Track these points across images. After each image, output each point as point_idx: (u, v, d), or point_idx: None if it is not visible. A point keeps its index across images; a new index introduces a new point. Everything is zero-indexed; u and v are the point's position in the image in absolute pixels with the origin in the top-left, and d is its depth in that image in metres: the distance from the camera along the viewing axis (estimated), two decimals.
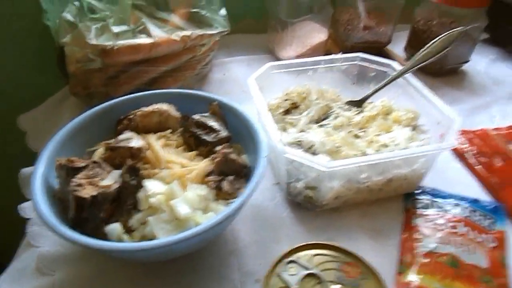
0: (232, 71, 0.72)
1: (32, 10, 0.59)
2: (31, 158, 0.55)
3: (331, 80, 0.57)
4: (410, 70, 0.51)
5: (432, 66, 0.72)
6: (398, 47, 0.79)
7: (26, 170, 0.49)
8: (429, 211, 0.44)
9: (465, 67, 0.77)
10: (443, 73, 0.74)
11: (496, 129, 0.58)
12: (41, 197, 0.34)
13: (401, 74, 0.51)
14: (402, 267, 0.39)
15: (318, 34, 0.73)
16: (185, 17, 0.64)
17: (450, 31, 0.51)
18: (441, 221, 0.43)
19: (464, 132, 0.58)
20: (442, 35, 0.52)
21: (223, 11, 0.64)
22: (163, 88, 0.59)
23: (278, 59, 0.75)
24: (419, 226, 0.43)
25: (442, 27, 0.70)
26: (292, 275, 0.32)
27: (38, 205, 0.33)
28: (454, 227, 0.42)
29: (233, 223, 0.44)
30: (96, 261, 0.39)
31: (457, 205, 0.45)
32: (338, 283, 0.32)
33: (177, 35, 0.57)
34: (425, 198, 0.46)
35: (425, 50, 0.52)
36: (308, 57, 0.71)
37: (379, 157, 0.39)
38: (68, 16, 0.56)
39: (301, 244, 0.34)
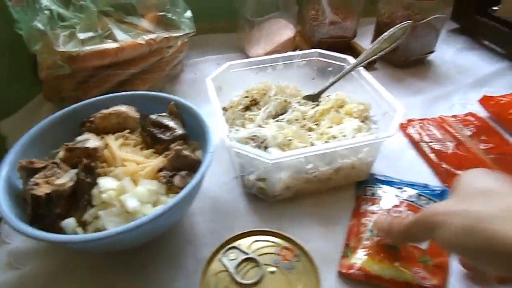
0: (203, 71, 0.75)
1: (3, 21, 0.61)
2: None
3: (292, 76, 0.60)
4: (361, 64, 0.54)
5: (397, 58, 0.75)
6: (366, 40, 0.81)
7: None
8: (378, 197, 0.47)
9: (433, 57, 0.79)
10: (410, 64, 0.76)
11: (454, 116, 0.61)
12: (4, 197, 0.37)
13: (353, 68, 0.54)
14: (347, 251, 0.41)
15: (285, 31, 0.76)
16: (154, 21, 0.67)
17: (399, 24, 0.54)
18: (387, 206, 0.45)
19: (421, 120, 0.60)
20: (391, 29, 0.54)
21: (188, 13, 0.66)
22: (132, 89, 0.62)
23: (248, 57, 0.77)
24: (367, 212, 0.45)
25: (406, 20, 0.72)
26: (232, 260, 0.35)
27: (0, 205, 0.36)
28: (398, 211, 0.44)
29: (192, 215, 0.47)
30: (61, 255, 0.42)
31: (405, 191, 0.47)
32: (274, 266, 0.35)
33: (142, 39, 0.60)
34: (375, 185, 0.49)
35: (375, 44, 0.54)
36: (277, 53, 0.74)
37: (320, 147, 0.42)
38: (39, 24, 0.59)
39: (243, 232, 0.37)
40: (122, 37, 0.60)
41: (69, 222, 0.36)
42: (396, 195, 0.47)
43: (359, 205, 0.47)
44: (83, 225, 0.37)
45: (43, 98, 0.66)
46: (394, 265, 0.39)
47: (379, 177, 0.50)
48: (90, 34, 0.59)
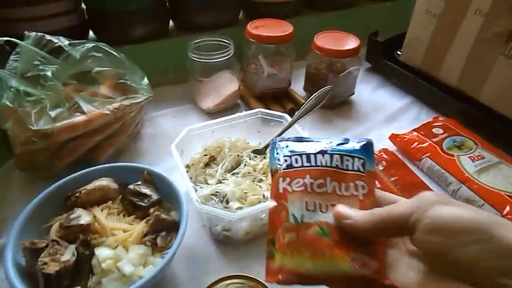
0: (161, 125, 0.84)
1: None
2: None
3: (241, 131, 0.72)
4: (296, 122, 0.67)
5: (324, 103, 0.91)
6: (299, 85, 0.95)
7: None
8: (295, 164, 0.35)
9: (354, 97, 0.95)
10: (336, 105, 0.92)
11: None
12: (15, 278, 0.44)
13: (289, 126, 0.67)
14: (271, 249, 0.32)
15: (231, 85, 0.87)
16: (113, 88, 0.75)
17: (320, 90, 0.68)
18: (307, 179, 0.34)
19: None
20: (316, 93, 0.68)
21: (145, 80, 0.76)
22: (101, 153, 0.70)
23: (199, 108, 0.88)
24: (287, 192, 0.34)
25: (329, 69, 0.87)
26: None
27: (14, 285, 0.43)
28: (321, 185, 0.34)
29: (172, 264, 0.56)
30: None
31: (324, 152, 0.36)
32: None
33: (107, 109, 0.68)
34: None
35: (304, 106, 0.68)
36: (225, 105, 0.86)
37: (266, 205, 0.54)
38: (7, 102, 0.65)
39: (217, 278, 0.48)
40: (89, 108, 0.67)
41: None
42: (314, 162, 0.35)
43: (276, 183, 0.35)
44: None
45: (12, 166, 0.71)
46: (334, 254, 0.31)
47: (292, 139, 0.39)
48: (60, 110, 0.65)
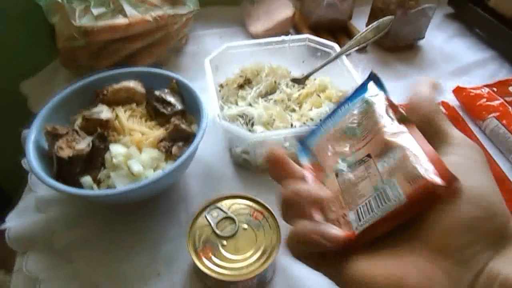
0: (205, 44, 0.81)
1: None
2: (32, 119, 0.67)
3: (284, 57, 0.66)
4: (345, 53, 0.60)
5: (388, 42, 0.80)
6: (361, 21, 0.85)
7: (26, 131, 0.61)
8: None
9: (422, 42, 0.84)
10: (399, 49, 0.81)
11: None
12: (34, 157, 0.45)
13: (337, 56, 0.60)
14: None
15: (284, 10, 0.80)
16: None
17: (382, 19, 0.59)
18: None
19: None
20: (374, 23, 0.59)
21: None
22: (140, 61, 0.69)
23: (248, 33, 0.83)
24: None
25: (400, 3, 0.76)
26: (214, 217, 0.44)
27: (31, 163, 0.45)
28: None
29: (187, 177, 0.56)
30: (79, 203, 0.52)
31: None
32: (247, 224, 0.44)
33: (150, 15, 0.66)
34: None
35: (359, 35, 0.59)
36: (275, 31, 0.80)
37: (296, 130, 0.50)
38: None
39: (225, 195, 0.46)
40: (131, 13, 0.65)
41: (87, 180, 0.45)
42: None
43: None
44: (98, 182, 0.46)
45: (59, 63, 0.73)
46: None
47: None
48: (103, 9, 0.64)
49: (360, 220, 0.24)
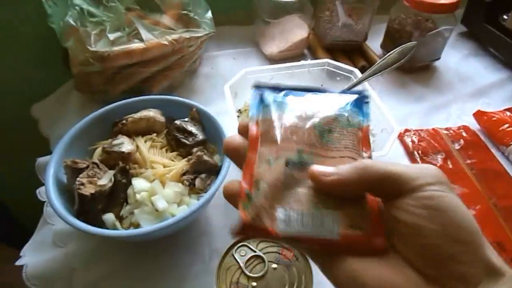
0: (219, 65, 0.79)
1: (36, 15, 0.66)
2: (43, 144, 0.65)
3: (303, 83, 0.65)
4: (367, 79, 0.58)
5: (404, 63, 0.79)
6: (376, 41, 0.84)
7: (41, 159, 0.59)
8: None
9: (438, 63, 0.83)
10: (415, 69, 0.80)
11: (447, 128, 0.66)
12: (54, 193, 0.44)
13: (359, 82, 0.59)
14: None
15: (300, 31, 0.79)
16: (175, 18, 0.71)
17: (404, 45, 0.58)
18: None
19: (417, 131, 0.66)
20: (397, 48, 0.58)
21: (209, 14, 0.70)
22: (155, 85, 0.68)
23: (262, 53, 0.82)
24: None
25: (416, 26, 0.75)
26: (242, 256, 0.42)
27: (53, 203, 0.43)
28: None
29: (207, 210, 0.54)
30: (98, 237, 0.50)
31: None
32: (276, 263, 0.42)
33: (166, 39, 0.65)
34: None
35: (380, 61, 0.58)
36: (290, 52, 0.79)
37: None
38: (70, 20, 0.64)
39: None
40: (147, 37, 0.64)
41: (109, 217, 0.43)
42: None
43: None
44: (120, 219, 0.44)
45: (71, 86, 0.72)
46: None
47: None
48: (119, 34, 0.63)
49: (288, 226, 0.23)
